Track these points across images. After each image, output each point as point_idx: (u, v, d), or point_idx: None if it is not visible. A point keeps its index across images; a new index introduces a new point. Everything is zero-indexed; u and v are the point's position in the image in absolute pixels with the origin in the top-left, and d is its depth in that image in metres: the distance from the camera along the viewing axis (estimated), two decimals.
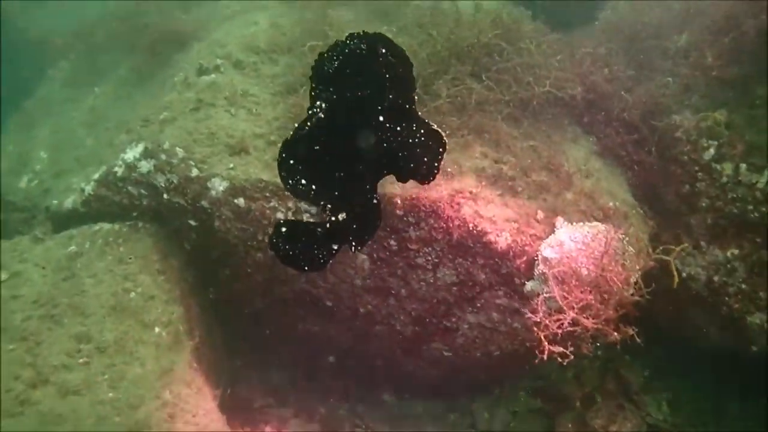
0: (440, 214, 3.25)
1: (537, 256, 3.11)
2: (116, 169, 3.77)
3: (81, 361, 3.18)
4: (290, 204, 3.54)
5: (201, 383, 3.51)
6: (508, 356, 3.74)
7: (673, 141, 3.82)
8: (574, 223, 3.15)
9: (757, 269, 3.58)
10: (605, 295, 2.85)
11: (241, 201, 3.58)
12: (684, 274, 3.74)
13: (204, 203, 3.63)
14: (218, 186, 3.59)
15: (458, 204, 3.23)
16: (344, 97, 1.96)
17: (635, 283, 3.18)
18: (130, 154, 3.75)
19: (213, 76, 4.12)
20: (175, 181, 3.65)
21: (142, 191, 3.77)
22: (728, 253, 3.65)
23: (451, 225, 3.25)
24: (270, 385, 4.49)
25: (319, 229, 2.03)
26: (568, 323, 2.78)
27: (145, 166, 3.70)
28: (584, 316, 2.75)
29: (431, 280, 3.55)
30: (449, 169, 3.33)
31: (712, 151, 3.68)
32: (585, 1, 4.78)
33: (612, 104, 3.88)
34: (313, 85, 1.97)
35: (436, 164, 2.20)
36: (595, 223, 3.10)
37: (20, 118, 5.40)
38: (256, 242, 3.66)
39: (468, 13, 3.90)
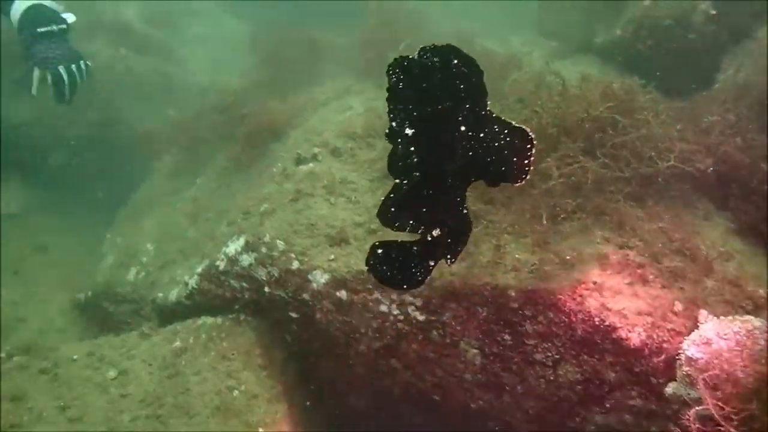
0: (561, 308, 3.04)
1: (679, 354, 2.81)
2: (218, 262, 3.87)
3: None
4: (394, 296, 3.47)
5: None
6: None
7: None
8: (721, 317, 2.84)
9: None
10: None
11: (343, 293, 3.54)
12: None
13: (305, 296, 3.63)
14: (319, 278, 3.58)
15: (581, 296, 3.01)
16: (425, 112, 1.98)
17: None
18: (232, 248, 3.84)
19: (311, 165, 4.21)
20: (276, 275, 3.68)
21: (244, 284, 3.83)
22: None
23: (573, 319, 3.03)
24: None
25: (414, 247, 2.07)
26: None
27: (246, 259, 3.77)
28: (745, 430, 2.41)
29: (551, 377, 3.30)
30: (568, 257, 3.14)
31: None
32: (697, 64, 4.58)
33: (748, 176, 3.56)
34: (391, 107, 2.03)
35: (527, 162, 2.16)
36: (746, 317, 2.78)
37: (128, 211, 5.76)
38: (359, 335, 3.60)
39: (574, 86, 3.78)
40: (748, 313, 2.94)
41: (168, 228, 5.04)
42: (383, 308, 3.51)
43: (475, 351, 3.41)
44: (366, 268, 1.98)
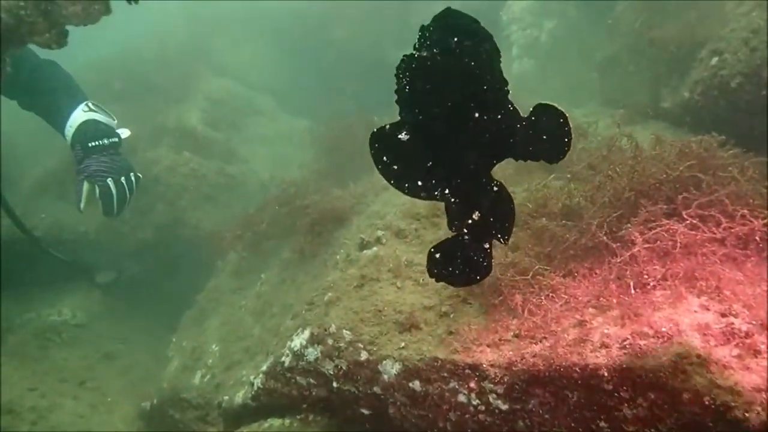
0: (663, 387, 2.79)
1: None
2: (283, 359, 3.82)
3: None
4: (472, 384, 3.30)
5: None
6: None
7: None
8: None
9: None
10: None
11: (416, 384, 3.40)
12: None
13: (376, 389, 3.50)
14: (390, 369, 3.46)
15: (684, 372, 2.76)
16: (437, 99, 2.01)
17: None
18: (297, 342, 3.80)
19: (375, 249, 4.20)
20: (344, 367, 3.58)
21: (311, 380, 3.74)
22: None
23: (679, 400, 2.77)
24: None
25: (464, 238, 2.15)
26: None
27: (312, 353, 3.71)
28: None
29: None
30: (663, 329, 2.92)
31: None
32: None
33: None
34: (400, 108, 2.07)
35: (565, 137, 2.07)
36: None
37: (193, 312, 5.88)
38: (437, 429, 3.40)
39: (647, 147, 3.69)
40: None
41: (233, 327, 5.08)
42: (462, 398, 3.33)
43: None
44: (432, 279, 2.16)
